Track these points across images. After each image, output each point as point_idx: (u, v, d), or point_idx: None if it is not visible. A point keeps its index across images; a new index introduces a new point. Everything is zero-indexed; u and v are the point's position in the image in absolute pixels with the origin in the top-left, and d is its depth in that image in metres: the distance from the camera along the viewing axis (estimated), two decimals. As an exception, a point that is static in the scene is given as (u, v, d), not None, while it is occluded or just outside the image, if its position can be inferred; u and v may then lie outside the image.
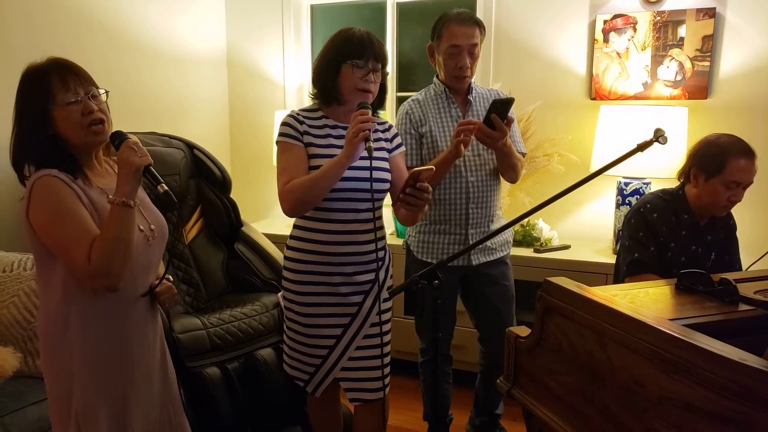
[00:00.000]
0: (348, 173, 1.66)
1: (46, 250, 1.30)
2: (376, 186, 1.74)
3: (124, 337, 1.38)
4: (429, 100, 2.11)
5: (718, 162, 1.81)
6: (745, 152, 1.81)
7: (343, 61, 1.68)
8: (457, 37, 1.97)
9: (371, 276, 1.78)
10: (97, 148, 1.38)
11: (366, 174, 1.72)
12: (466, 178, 2.04)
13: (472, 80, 2.11)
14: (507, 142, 1.93)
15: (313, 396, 1.87)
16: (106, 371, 1.36)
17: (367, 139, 1.55)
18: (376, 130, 1.81)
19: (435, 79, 2.14)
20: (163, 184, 1.30)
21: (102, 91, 1.35)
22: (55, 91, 1.28)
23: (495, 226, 2.12)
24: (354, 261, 1.74)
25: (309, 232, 1.76)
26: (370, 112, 1.62)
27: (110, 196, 1.28)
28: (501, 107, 1.83)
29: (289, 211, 1.69)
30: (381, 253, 1.81)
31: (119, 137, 1.32)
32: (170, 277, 1.49)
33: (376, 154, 1.76)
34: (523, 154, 2.18)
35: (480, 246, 2.08)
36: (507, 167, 2.05)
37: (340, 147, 1.71)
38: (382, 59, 1.71)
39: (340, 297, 1.75)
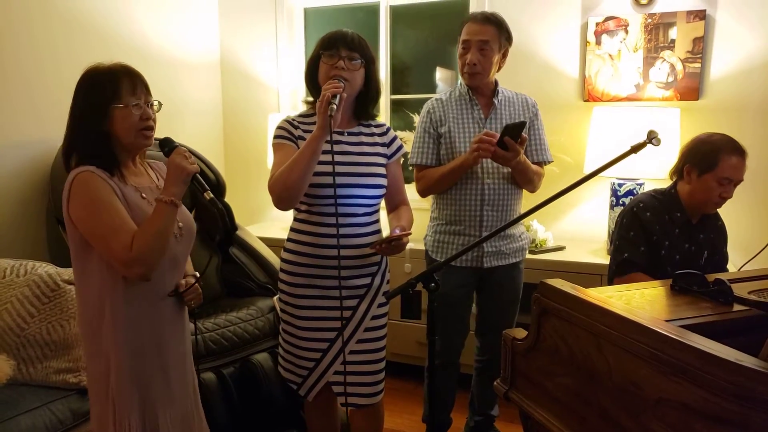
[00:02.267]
0: (341, 180, 1.68)
1: (83, 243, 1.40)
2: (371, 192, 1.75)
3: (154, 329, 1.48)
4: (452, 101, 2.12)
5: (711, 159, 1.85)
6: (737, 150, 1.85)
7: (319, 57, 1.71)
8: (466, 34, 2.02)
9: (366, 280, 1.78)
10: (142, 150, 1.50)
11: (359, 180, 1.73)
12: (482, 180, 2.04)
13: (498, 83, 2.12)
14: (521, 159, 1.95)
15: (310, 401, 1.87)
16: (138, 359, 1.46)
17: (330, 102, 1.55)
18: (372, 134, 1.82)
19: (460, 80, 2.16)
20: (209, 191, 1.43)
21: (156, 102, 1.48)
22: (123, 92, 1.40)
23: (512, 231, 2.13)
24: (348, 265, 1.74)
25: (304, 236, 1.76)
26: (341, 85, 1.61)
27: (158, 194, 1.41)
28: (513, 130, 1.87)
29: (276, 201, 1.68)
30: (376, 257, 1.80)
31: (169, 144, 1.47)
32: (197, 274, 1.62)
33: (371, 159, 1.77)
34: (547, 162, 2.19)
35: (493, 250, 2.08)
36: (523, 182, 2.07)
37: (338, 152, 1.72)
38: (358, 48, 1.70)
39: (334, 300, 1.75)
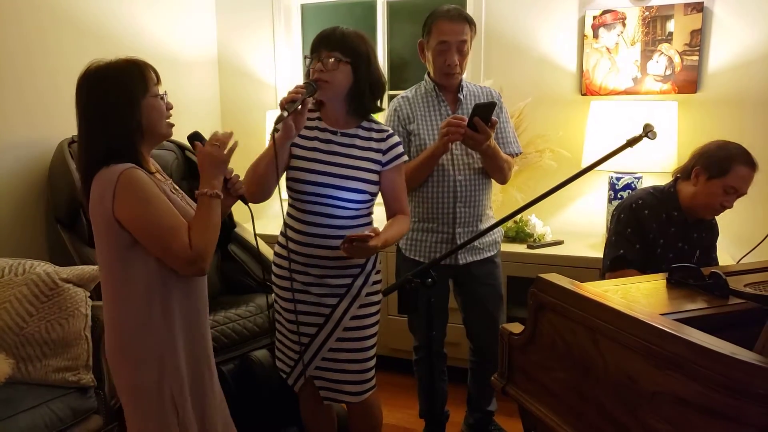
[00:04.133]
0: (324, 179, 1.69)
1: (128, 244, 1.34)
2: (352, 196, 1.71)
3: (201, 321, 1.49)
4: (419, 98, 2.10)
5: (724, 165, 1.84)
6: (750, 162, 1.85)
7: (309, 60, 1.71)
8: (445, 34, 1.96)
9: (346, 281, 1.76)
10: (162, 142, 1.48)
11: (339, 182, 1.70)
12: (453, 177, 2.04)
13: (463, 78, 2.11)
14: (491, 143, 1.93)
15: (303, 393, 1.89)
16: (193, 356, 1.45)
17: (284, 108, 1.55)
18: (369, 138, 1.76)
19: (426, 76, 2.13)
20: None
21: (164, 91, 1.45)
22: (149, 84, 1.38)
23: (484, 226, 2.11)
24: (327, 265, 1.74)
25: (290, 231, 1.78)
26: (301, 92, 1.59)
27: (199, 190, 1.39)
28: (483, 110, 1.84)
29: (246, 194, 1.65)
30: (363, 262, 1.77)
31: (200, 138, 1.47)
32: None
33: (358, 164, 1.72)
34: (517, 154, 2.19)
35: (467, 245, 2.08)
36: (493, 169, 2.05)
37: (325, 151, 1.73)
38: (339, 46, 1.65)
39: (314, 296, 1.76)
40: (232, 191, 1.51)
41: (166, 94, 1.43)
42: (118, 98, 1.34)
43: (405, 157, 1.81)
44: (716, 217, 2.03)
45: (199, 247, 1.33)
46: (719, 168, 1.85)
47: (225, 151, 1.40)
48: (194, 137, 1.49)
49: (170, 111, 1.43)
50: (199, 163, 1.41)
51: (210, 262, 1.38)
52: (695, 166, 1.91)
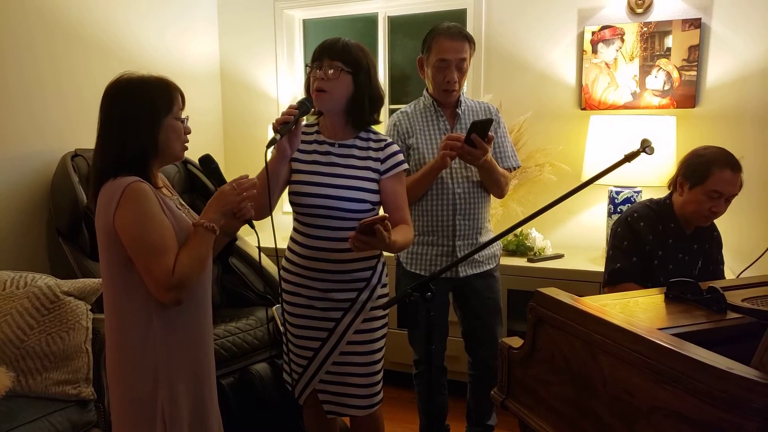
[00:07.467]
0: (323, 191, 1.69)
1: (127, 256, 1.35)
2: (351, 206, 1.70)
3: (202, 334, 1.49)
4: (417, 113, 2.12)
5: (702, 172, 1.84)
6: (730, 164, 1.83)
7: (310, 69, 1.72)
8: (445, 51, 1.98)
9: (351, 295, 1.76)
10: (173, 162, 1.53)
11: (339, 192, 1.70)
12: (452, 190, 2.05)
13: (461, 93, 2.13)
14: (488, 158, 1.95)
15: (308, 406, 1.88)
16: (188, 366, 1.44)
17: (276, 131, 1.56)
18: (367, 148, 1.76)
19: (424, 92, 2.15)
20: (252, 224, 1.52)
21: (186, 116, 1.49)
22: (174, 105, 1.41)
23: (483, 239, 2.13)
24: (328, 278, 1.74)
25: (295, 245, 1.79)
26: (298, 109, 1.60)
27: (198, 219, 1.41)
28: (480, 127, 1.87)
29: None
30: (365, 273, 1.77)
31: (211, 162, 1.53)
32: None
33: (357, 173, 1.73)
34: (516, 168, 2.20)
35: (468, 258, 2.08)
36: (490, 183, 2.07)
37: (325, 163, 1.74)
38: (340, 56, 1.65)
39: (318, 311, 1.76)
40: (239, 215, 1.49)
41: (187, 119, 1.45)
42: (141, 112, 1.36)
43: (405, 166, 1.80)
44: (719, 229, 2.03)
45: (180, 274, 1.32)
46: (698, 175, 1.84)
47: (238, 198, 1.43)
48: (206, 161, 1.52)
49: (187, 135, 1.45)
50: (213, 197, 1.44)
51: (185, 294, 1.36)
52: (678, 176, 1.92)
